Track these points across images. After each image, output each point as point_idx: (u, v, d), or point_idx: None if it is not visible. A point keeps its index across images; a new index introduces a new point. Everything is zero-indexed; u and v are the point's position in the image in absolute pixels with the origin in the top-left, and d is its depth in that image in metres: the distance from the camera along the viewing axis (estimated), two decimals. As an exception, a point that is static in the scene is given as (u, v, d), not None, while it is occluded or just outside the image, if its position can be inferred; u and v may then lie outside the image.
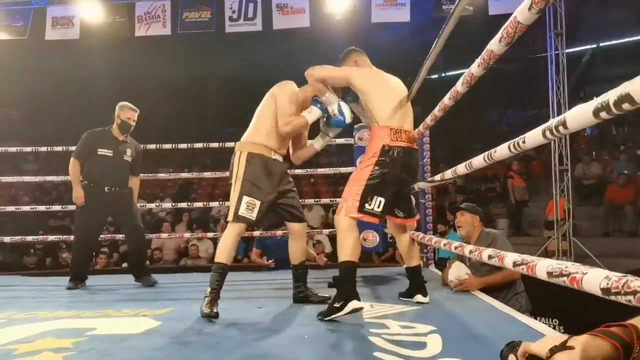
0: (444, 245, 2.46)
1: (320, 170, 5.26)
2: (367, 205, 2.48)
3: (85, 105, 12.47)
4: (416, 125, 3.10)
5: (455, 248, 2.22)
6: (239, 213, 2.66)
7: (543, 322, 3.66)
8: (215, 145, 4.90)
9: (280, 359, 1.76)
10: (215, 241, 7.42)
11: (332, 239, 7.28)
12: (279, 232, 4.52)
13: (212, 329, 2.26)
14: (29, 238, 5.06)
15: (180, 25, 7.00)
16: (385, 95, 2.70)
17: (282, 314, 2.65)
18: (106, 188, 3.88)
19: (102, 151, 3.91)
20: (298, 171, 4.82)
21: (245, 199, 2.67)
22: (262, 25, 7.18)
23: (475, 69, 1.87)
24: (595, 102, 0.97)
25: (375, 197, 2.48)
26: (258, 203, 2.68)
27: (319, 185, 11.56)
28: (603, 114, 0.95)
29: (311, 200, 6.23)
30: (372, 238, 4.14)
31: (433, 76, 14.86)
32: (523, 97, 14.81)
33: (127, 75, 12.39)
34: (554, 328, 4.28)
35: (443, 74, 15.90)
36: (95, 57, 9.72)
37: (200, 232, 7.52)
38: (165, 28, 6.91)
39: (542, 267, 1.19)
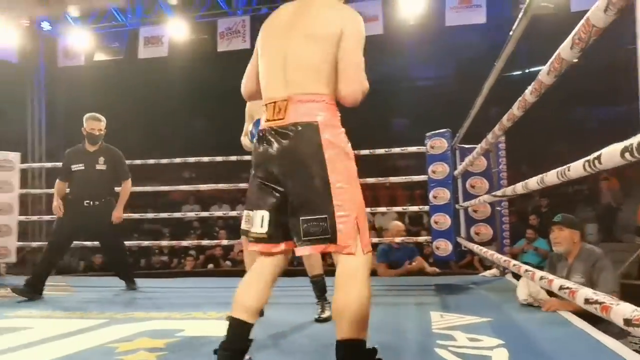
0: (513, 266, 2.38)
1: (393, 179, 5.30)
2: (245, 225, 1.73)
3: (171, 119, 13.31)
4: (492, 126, 3.02)
5: (525, 272, 2.09)
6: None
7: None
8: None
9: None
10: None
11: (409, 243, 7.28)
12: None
13: (294, 333, 2.41)
14: (126, 242, 5.52)
15: (259, 39, 7.32)
16: (268, 54, 1.73)
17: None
18: (85, 202, 4.00)
19: (75, 166, 4.09)
20: (370, 180, 4.89)
21: None
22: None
23: (544, 77, 1.77)
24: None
25: (254, 210, 1.69)
26: None
27: (396, 189, 11.51)
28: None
29: (383, 209, 6.25)
30: (445, 246, 4.14)
31: (515, 72, 14.28)
32: (613, 91, 13.86)
33: (209, 89, 13.06)
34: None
35: (527, 70, 15.24)
36: (181, 73, 10.38)
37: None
38: (245, 42, 7.27)
39: (619, 312, 1.10)
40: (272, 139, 1.61)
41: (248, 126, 2.75)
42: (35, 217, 6.41)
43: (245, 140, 2.75)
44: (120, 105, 13.44)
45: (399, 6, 7.09)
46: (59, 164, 6.36)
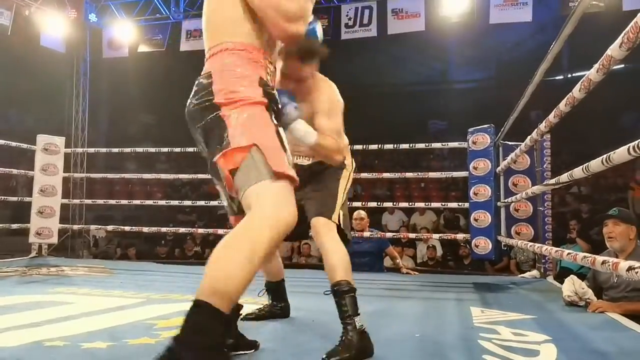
0: (567, 255, 2.29)
1: (432, 174, 5.23)
2: None
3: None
4: (532, 130, 2.96)
5: (583, 259, 1.91)
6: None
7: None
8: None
9: (390, 356, 1.82)
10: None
11: (444, 243, 7.17)
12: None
13: (324, 319, 2.39)
14: (163, 229, 5.61)
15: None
16: None
17: (389, 310, 2.71)
18: None
19: None
20: (409, 175, 4.84)
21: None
22: (377, 31, 7.28)
23: (593, 74, 1.78)
24: None
25: None
26: None
27: (430, 190, 11.38)
28: None
29: (422, 204, 6.18)
30: (484, 244, 4.04)
31: (558, 77, 13.92)
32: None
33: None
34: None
35: (569, 75, 14.84)
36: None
37: (312, 231, 7.77)
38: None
39: None
40: None
41: None
42: (76, 201, 6.58)
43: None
44: (161, 96, 13.74)
45: (442, 3, 6.99)
46: (102, 150, 6.56)
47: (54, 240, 5.21)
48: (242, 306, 1.92)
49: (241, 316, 1.98)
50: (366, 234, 4.60)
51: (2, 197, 5.36)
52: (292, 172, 1.38)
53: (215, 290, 1.24)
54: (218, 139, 1.40)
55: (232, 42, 1.47)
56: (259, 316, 2.50)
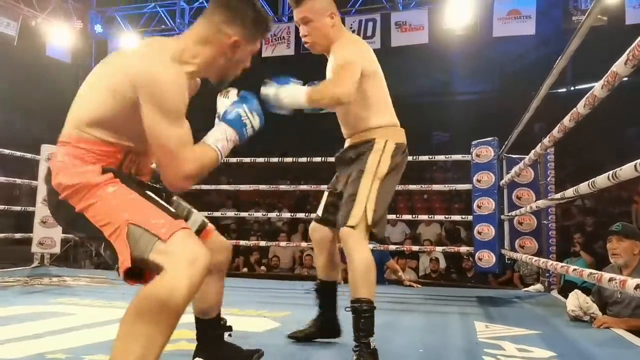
0: (573, 271, 2.28)
1: (435, 187, 5.22)
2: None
3: (212, 121, 13.52)
4: (536, 143, 2.97)
5: (589, 275, 1.89)
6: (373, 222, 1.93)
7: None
8: (332, 159, 5.07)
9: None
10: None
11: (447, 256, 7.14)
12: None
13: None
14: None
15: (303, 45, 7.38)
16: (383, 84, 2.17)
17: (392, 323, 2.69)
18: None
19: None
20: (412, 187, 4.84)
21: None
22: (381, 43, 7.32)
23: (598, 91, 1.78)
24: None
25: None
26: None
27: (433, 202, 11.35)
28: None
29: (425, 217, 6.16)
30: (488, 258, 4.02)
31: (560, 90, 13.94)
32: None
33: (253, 93, 13.25)
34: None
35: (572, 87, 14.86)
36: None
37: (315, 243, 7.75)
38: (289, 49, 7.35)
39: None
40: None
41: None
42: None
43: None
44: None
45: (445, 16, 7.02)
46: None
47: (57, 250, 5.21)
48: (226, 321, 1.84)
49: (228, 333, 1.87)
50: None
51: (5, 207, 5.36)
52: (176, 224, 1.28)
53: None
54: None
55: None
56: (308, 335, 2.22)
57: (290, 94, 1.83)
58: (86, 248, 7.89)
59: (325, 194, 2.27)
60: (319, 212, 2.24)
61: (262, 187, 5.77)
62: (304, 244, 7.31)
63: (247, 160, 5.45)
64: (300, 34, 2.09)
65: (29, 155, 5.16)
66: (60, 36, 7.50)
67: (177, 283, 1.18)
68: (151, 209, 1.30)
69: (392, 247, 5.15)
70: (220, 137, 1.43)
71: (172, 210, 1.36)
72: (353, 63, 1.91)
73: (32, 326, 2.38)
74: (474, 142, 4.25)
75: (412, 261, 7.31)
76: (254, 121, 1.51)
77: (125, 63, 1.36)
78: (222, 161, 1.45)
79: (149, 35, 7.97)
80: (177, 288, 1.18)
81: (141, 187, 1.38)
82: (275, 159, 5.26)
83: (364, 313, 1.82)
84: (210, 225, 1.62)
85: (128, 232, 1.25)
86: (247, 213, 8.19)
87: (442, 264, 7.17)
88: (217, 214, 7.50)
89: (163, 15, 7.79)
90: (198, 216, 1.60)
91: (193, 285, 1.20)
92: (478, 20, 7.02)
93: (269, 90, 1.84)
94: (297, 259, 7.99)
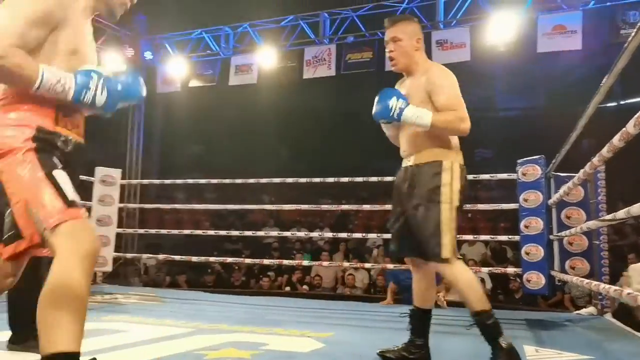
0: (627, 295, 2.18)
1: (481, 206, 5.13)
2: None
3: (256, 141, 13.81)
4: (584, 160, 2.89)
5: None
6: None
7: None
8: (374, 179, 5.09)
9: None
10: (370, 272, 7.59)
11: (493, 277, 6.96)
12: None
13: (372, 356, 2.36)
14: (211, 259, 5.72)
15: (344, 66, 7.47)
16: None
17: (436, 347, 2.65)
18: None
19: None
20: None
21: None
22: (421, 62, 7.30)
23: None
24: None
25: None
26: None
27: (477, 221, 11.12)
28: None
29: (470, 237, 6.05)
30: (537, 279, 3.91)
31: (610, 104, 13.48)
32: None
33: (293, 114, 13.45)
34: None
35: (621, 102, 14.35)
36: (267, 99, 10.80)
37: (357, 262, 7.74)
38: (330, 69, 7.43)
39: None
40: None
41: None
42: (130, 230, 6.85)
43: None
44: (210, 128, 14.20)
45: (488, 32, 6.96)
46: (154, 181, 6.78)
47: (109, 268, 5.41)
48: None
49: None
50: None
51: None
52: (70, 211, 1.38)
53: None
54: None
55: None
56: (398, 357, 2.28)
57: (417, 112, 2.08)
58: (136, 266, 8.13)
59: (392, 228, 2.34)
60: (392, 247, 2.35)
61: (304, 206, 5.82)
62: (346, 264, 7.30)
63: (289, 180, 5.53)
64: (387, 51, 2.29)
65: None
66: (112, 64, 7.87)
67: (71, 273, 1.32)
68: (50, 193, 1.38)
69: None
70: (55, 73, 1.44)
71: (70, 196, 1.41)
72: (461, 97, 2.17)
73: (86, 343, 2.48)
74: (519, 161, 4.17)
75: (457, 282, 7.16)
76: (99, 96, 1.51)
77: None
78: (46, 92, 1.43)
79: (196, 60, 8.27)
80: (72, 277, 1.32)
81: (50, 167, 1.42)
82: (317, 179, 5.31)
83: (486, 321, 2.05)
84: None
85: (27, 210, 1.38)
86: (289, 232, 8.26)
87: (488, 284, 6.99)
88: (260, 233, 7.61)
89: (208, 41, 8.06)
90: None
91: (86, 272, 1.35)
92: (522, 36, 6.91)
93: (393, 100, 2.10)
94: (339, 278, 7.97)
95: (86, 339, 2.55)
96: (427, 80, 2.18)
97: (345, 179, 5.27)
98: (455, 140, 2.25)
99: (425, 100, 2.15)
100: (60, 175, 1.42)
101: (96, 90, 1.49)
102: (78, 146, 1.56)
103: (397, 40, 2.24)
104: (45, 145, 1.44)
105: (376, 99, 2.18)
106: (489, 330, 2.04)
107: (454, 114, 2.10)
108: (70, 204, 1.39)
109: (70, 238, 1.35)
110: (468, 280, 2.09)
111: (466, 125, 2.10)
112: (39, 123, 1.45)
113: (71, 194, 1.41)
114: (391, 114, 2.09)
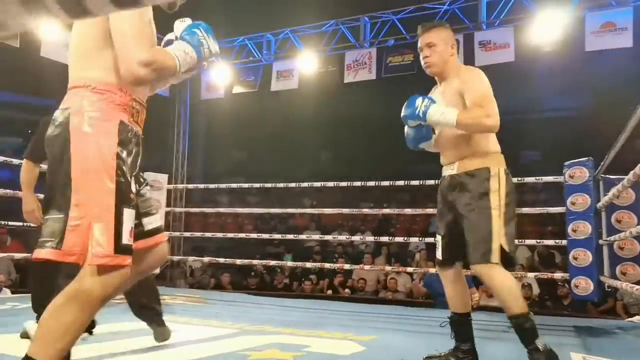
0: None
1: (526, 210, 5.02)
2: None
3: (298, 146, 13.94)
4: (635, 162, 2.79)
5: None
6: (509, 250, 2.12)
7: None
8: (415, 182, 5.06)
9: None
10: (412, 275, 7.53)
11: (540, 282, 6.78)
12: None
13: (413, 360, 2.36)
14: (254, 262, 5.83)
15: (385, 69, 7.46)
16: None
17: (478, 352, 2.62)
18: None
19: None
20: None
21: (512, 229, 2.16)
22: (464, 63, 7.20)
23: None
24: None
25: None
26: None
27: (524, 225, 10.84)
28: None
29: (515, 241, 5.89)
30: (585, 285, 3.79)
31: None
32: None
33: (334, 118, 13.51)
34: None
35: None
36: (309, 103, 10.89)
37: (399, 265, 7.69)
38: (370, 73, 7.43)
39: None
40: None
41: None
42: (177, 233, 7.06)
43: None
44: (252, 133, 14.44)
45: (532, 32, 6.80)
46: (199, 186, 6.97)
47: (157, 270, 5.58)
48: None
49: None
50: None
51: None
52: (118, 258, 1.38)
53: None
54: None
55: (94, 80, 1.45)
56: None
57: (441, 109, 2.10)
58: (182, 268, 8.36)
59: (439, 237, 2.35)
60: (439, 255, 2.35)
61: (344, 210, 5.85)
62: (388, 267, 7.27)
63: (330, 184, 5.57)
64: (422, 56, 2.31)
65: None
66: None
67: (81, 311, 1.35)
68: (110, 230, 1.37)
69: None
70: (179, 49, 1.50)
71: (124, 241, 1.39)
72: (492, 95, 2.16)
73: (136, 342, 2.60)
74: (566, 163, 4.06)
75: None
76: (211, 43, 1.57)
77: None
78: (184, 69, 1.51)
79: (240, 67, 8.44)
80: (78, 317, 1.35)
81: (123, 196, 1.41)
82: (357, 183, 5.33)
83: (523, 324, 2.04)
84: (164, 235, 1.66)
85: (86, 232, 1.37)
86: (331, 236, 8.30)
87: (535, 290, 6.81)
88: (301, 236, 7.69)
89: (251, 47, 8.21)
90: (157, 219, 1.63)
91: (91, 313, 1.39)
92: (569, 35, 6.72)
93: (419, 100, 2.13)
94: (381, 282, 7.95)
95: (135, 338, 2.69)
96: (459, 81, 2.21)
97: (386, 183, 5.27)
98: (495, 145, 2.25)
99: (459, 103, 2.17)
100: (127, 214, 1.42)
101: (207, 40, 1.57)
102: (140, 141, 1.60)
103: (433, 45, 2.27)
104: (125, 139, 1.45)
105: (404, 105, 2.21)
106: (526, 332, 2.04)
107: (480, 110, 2.09)
108: (121, 249, 1.39)
109: (99, 283, 1.37)
110: (508, 283, 2.09)
111: (492, 121, 2.08)
112: (121, 118, 1.46)
113: (127, 237, 1.41)
114: (417, 112, 2.12)
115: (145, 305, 2.67)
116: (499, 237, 2.09)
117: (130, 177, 1.45)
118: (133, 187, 1.45)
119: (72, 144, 1.40)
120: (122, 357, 2.23)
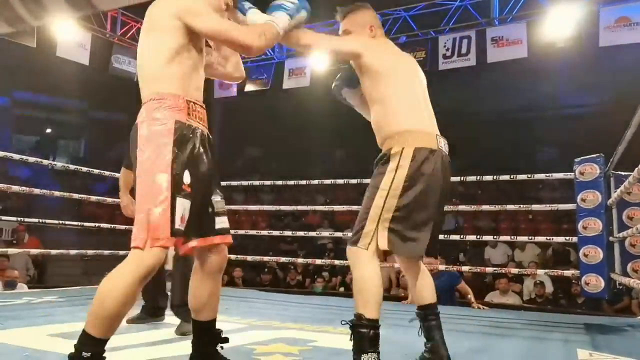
0: None
1: (535, 207, 4.99)
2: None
3: (311, 143, 13.96)
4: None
5: None
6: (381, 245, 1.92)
7: None
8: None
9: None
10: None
11: (554, 280, 6.72)
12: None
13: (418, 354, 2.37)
14: (266, 258, 5.88)
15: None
16: (407, 87, 2.05)
17: (486, 348, 2.63)
18: None
19: None
20: (510, 207, 4.66)
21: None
22: (476, 60, 7.18)
23: None
24: None
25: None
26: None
27: (538, 222, 10.73)
28: None
29: (524, 238, 5.90)
30: (596, 282, 3.76)
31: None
32: None
33: (347, 115, 13.51)
34: None
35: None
36: (321, 101, 10.93)
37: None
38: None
39: None
40: None
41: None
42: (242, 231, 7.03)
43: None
44: (265, 131, 14.51)
45: (545, 28, 6.74)
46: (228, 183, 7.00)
47: (170, 266, 5.66)
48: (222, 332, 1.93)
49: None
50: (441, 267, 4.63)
51: (124, 227, 5.94)
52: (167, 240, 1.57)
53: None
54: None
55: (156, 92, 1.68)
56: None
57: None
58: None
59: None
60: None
61: (355, 207, 5.85)
62: (397, 265, 7.25)
63: (340, 181, 5.60)
64: None
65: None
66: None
67: (125, 288, 1.52)
68: (164, 217, 1.57)
69: (490, 270, 4.99)
70: (268, 18, 1.83)
71: (177, 225, 1.59)
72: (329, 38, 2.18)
73: (147, 335, 2.65)
74: (577, 160, 4.03)
75: (517, 284, 6.97)
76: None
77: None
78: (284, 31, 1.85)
79: (251, 65, 8.50)
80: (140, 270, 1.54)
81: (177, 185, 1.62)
82: (368, 180, 5.34)
83: (359, 328, 1.84)
84: (228, 237, 1.82)
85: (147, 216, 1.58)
86: (342, 233, 8.30)
87: (549, 288, 6.75)
88: (313, 233, 7.72)
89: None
90: (225, 221, 1.81)
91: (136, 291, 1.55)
92: (582, 31, 6.65)
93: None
94: (393, 280, 7.94)
95: (147, 331, 2.75)
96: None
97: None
98: (406, 123, 1.95)
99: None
100: (180, 202, 1.61)
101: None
102: (206, 137, 1.77)
103: (349, 33, 2.16)
104: (181, 137, 1.65)
105: None
106: (359, 341, 1.87)
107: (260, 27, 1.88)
108: (174, 233, 1.59)
109: (139, 260, 1.55)
110: (360, 278, 1.89)
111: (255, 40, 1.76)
112: (177, 117, 1.66)
113: (179, 222, 1.60)
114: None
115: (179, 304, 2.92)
116: (375, 220, 1.87)
117: (183, 170, 1.63)
118: (187, 179, 1.63)
119: (137, 149, 1.65)
120: (131, 350, 2.29)
